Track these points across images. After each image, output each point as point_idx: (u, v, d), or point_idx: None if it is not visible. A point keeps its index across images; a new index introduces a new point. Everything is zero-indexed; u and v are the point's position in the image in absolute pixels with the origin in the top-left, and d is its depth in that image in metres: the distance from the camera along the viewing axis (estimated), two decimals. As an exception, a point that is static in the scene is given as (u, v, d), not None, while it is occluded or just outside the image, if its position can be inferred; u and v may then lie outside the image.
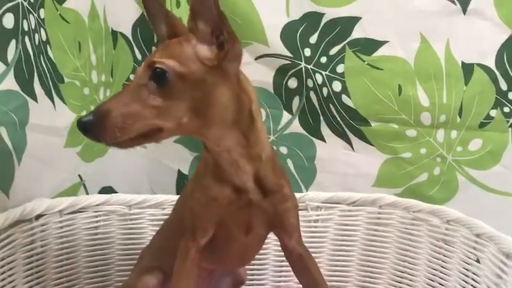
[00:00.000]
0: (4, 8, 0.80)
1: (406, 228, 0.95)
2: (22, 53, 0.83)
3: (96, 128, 0.60)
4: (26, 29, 0.85)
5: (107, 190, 1.13)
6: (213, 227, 0.72)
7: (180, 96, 0.61)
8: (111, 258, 0.97)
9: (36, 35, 0.89)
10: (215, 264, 0.82)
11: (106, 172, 1.12)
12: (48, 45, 0.93)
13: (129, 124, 0.60)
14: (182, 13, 1.07)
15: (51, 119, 0.93)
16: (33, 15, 0.88)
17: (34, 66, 0.87)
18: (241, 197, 0.70)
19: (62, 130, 0.97)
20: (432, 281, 0.92)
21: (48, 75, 0.92)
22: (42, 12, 0.91)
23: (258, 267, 0.99)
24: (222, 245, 0.74)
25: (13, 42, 0.82)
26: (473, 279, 0.84)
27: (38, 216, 0.88)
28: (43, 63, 0.91)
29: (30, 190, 0.90)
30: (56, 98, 0.94)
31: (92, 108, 1.05)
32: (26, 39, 0.85)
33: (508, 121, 1.02)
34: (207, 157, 0.71)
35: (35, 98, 0.87)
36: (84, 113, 1.03)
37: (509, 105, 1.01)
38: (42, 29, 0.91)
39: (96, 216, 0.95)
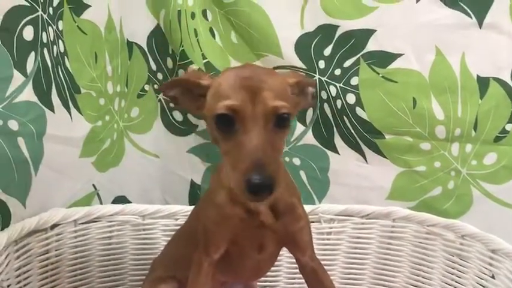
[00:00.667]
0: (24, 20, 0.81)
1: (420, 243, 0.95)
2: (41, 64, 0.85)
3: (268, 188, 0.57)
4: (45, 41, 0.86)
5: (121, 199, 1.14)
6: (225, 243, 0.72)
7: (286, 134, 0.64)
8: (124, 268, 0.98)
9: (55, 47, 0.90)
10: (230, 277, 0.82)
11: (120, 182, 1.13)
12: (66, 57, 0.94)
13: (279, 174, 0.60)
14: (197, 24, 1.09)
15: (67, 129, 0.94)
16: (52, 27, 0.89)
17: (52, 77, 0.88)
18: (253, 217, 0.70)
19: (77, 140, 0.98)
20: (447, 296, 0.91)
21: (65, 86, 0.93)
22: (60, 24, 0.92)
23: (270, 279, 0.99)
24: (235, 261, 0.75)
25: (32, 54, 0.83)
26: (489, 296, 0.83)
27: (54, 226, 0.89)
28: (61, 74, 0.92)
29: (46, 200, 0.91)
30: (72, 109, 0.95)
31: (108, 118, 1.08)
32: (45, 51, 0.86)
33: (523, 135, 1.01)
34: (223, 175, 0.71)
35: (52, 109, 0.88)
36: (99, 123, 1.04)
37: (525, 120, 1.01)
38: (60, 41, 0.92)
39: (110, 226, 0.96)
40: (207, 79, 0.66)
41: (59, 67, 0.91)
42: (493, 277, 0.83)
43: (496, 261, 0.83)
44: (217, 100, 0.62)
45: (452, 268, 0.91)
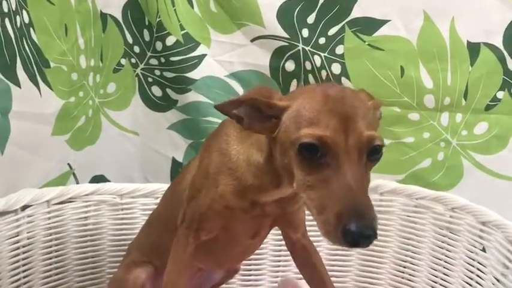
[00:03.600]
0: (-19, -12, 0.76)
1: (409, 216, 0.93)
2: (2, 35, 0.80)
3: (369, 239, 0.49)
4: (5, 10, 0.81)
5: (99, 179, 1.11)
6: (219, 230, 0.69)
7: None
8: (102, 249, 0.94)
9: (18, 17, 0.85)
10: (212, 265, 0.79)
11: (97, 160, 1.10)
12: (31, 28, 0.89)
13: None
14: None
15: (36, 105, 0.90)
16: (14, -4, 0.84)
17: (16, 50, 0.83)
18: (257, 209, 0.66)
19: (48, 117, 0.94)
20: (436, 270, 0.89)
21: (32, 59, 0.88)
22: (23, -8, 0.87)
23: (256, 257, 0.96)
24: (223, 247, 0.72)
25: (-8, 24, 0.78)
26: (478, 269, 0.81)
27: (24, 207, 0.85)
28: (26, 47, 0.87)
29: (16, 180, 0.88)
30: (41, 84, 0.91)
31: (82, 94, 1.03)
32: (6, 21, 0.81)
33: (516, 103, 0.98)
34: (230, 161, 0.64)
35: (18, 84, 0.84)
36: (73, 99, 1.00)
37: (518, 87, 0.97)
38: (24, 11, 0.87)
39: (86, 207, 0.92)
40: (283, 99, 0.57)
41: (24, 39, 0.86)
42: (483, 250, 0.81)
43: (486, 234, 0.81)
44: (301, 125, 0.53)
45: (442, 242, 0.89)
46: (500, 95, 0.98)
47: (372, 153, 0.53)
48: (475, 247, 0.82)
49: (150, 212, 0.91)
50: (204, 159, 0.68)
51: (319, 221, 0.51)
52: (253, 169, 0.62)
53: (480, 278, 0.80)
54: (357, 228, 0.48)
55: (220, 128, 0.68)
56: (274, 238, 0.95)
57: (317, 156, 0.52)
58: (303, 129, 0.53)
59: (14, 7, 0.83)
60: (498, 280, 0.76)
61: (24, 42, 0.86)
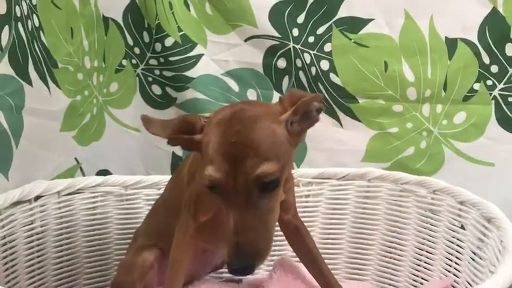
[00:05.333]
0: (-4, -6, 0.82)
1: (395, 200, 0.98)
2: (15, 38, 0.85)
3: (249, 270, 0.60)
4: (18, 15, 0.87)
5: (104, 173, 1.16)
6: (214, 210, 0.74)
7: None
8: (109, 237, 0.99)
9: (29, 21, 0.91)
10: (212, 244, 0.84)
11: (102, 156, 1.15)
12: (41, 31, 0.95)
13: None
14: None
15: (46, 103, 0.95)
16: (25, 1, 0.90)
17: (28, 51, 0.89)
18: None
19: (57, 114, 0.99)
20: (420, 249, 0.94)
21: (42, 60, 0.94)
22: (33, -2, 0.93)
23: None
24: (221, 226, 0.76)
25: (6, 28, 0.84)
26: (458, 245, 0.87)
27: (37, 198, 0.89)
28: (37, 48, 0.93)
29: (29, 172, 0.93)
30: (50, 83, 0.96)
31: (87, 93, 1.09)
32: (19, 24, 0.87)
33: (491, 94, 1.04)
34: None
35: (30, 83, 0.89)
36: (78, 97, 1.06)
37: (492, 78, 1.03)
38: (34, 15, 0.93)
39: (94, 197, 0.97)
40: (201, 129, 0.63)
41: (35, 41, 0.92)
42: (462, 227, 0.86)
43: (464, 212, 0.86)
44: (205, 163, 0.60)
45: (425, 222, 0.94)
46: (477, 86, 1.04)
47: (264, 187, 0.58)
48: (455, 225, 0.87)
49: (153, 202, 0.96)
50: None
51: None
52: None
53: (459, 253, 0.86)
54: (235, 266, 0.58)
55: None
56: None
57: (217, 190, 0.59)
58: (205, 170, 0.59)
59: (26, 12, 0.89)
60: (475, 253, 0.81)
61: (35, 45, 0.92)
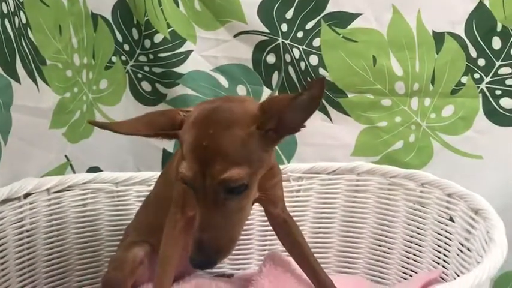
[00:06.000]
0: (-18, -9, 0.82)
1: (384, 194, 0.98)
2: (2, 34, 0.85)
3: (208, 265, 0.65)
4: (5, 11, 0.87)
5: (94, 170, 1.15)
6: None
7: None
8: (100, 234, 0.99)
9: (16, 18, 0.91)
10: None
11: (92, 153, 1.15)
12: (28, 28, 0.95)
13: None
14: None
15: (35, 100, 0.95)
16: (12, -2, 0.90)
17: (15, 48, 0.89)
18: None
19: (46, 111, 0.99)
20: (410, 242, 0.95)
21: (30, 57, 0.94)
22: (20, -5, 0.93)
23: (244, 233, 1.01)
24: None
25: (-8, 24, 0.84)
26: (446, 237, 0.87)
27: (27, 195, 0.89)
28: (24, 45, 0.93)
29: (18, 170, 0.93)
30: (39, 80, 0.96)
31: (76, 90, 1.09)
32: (6, 21, 0.87)
33: (478, 87, 1.05)
34: None
35: (18, 80, 0.89)
36: (68, 95, 1.06)
37: (479, 72, 1.04)
38: (21, 12, 0.93)
39: (84, 194, 0.97)
40: (180, 125, 0.64)
41: (22, 38, 0.92)
42: (450, 220, 0.87)
43: (452, 204, 0.87)
44: (182, 158, 0.62)
45: (414, 215, 0.94)
46: (464, 79, 1.05)
47: (231, 190, 0.61)
48: (443, 217, 0.88)
49: (144, 198, 0.96)
50: None
51: None
52: None
53: (448, 245, 0.86)
54: (195, 261, 0.61)
55: None
56: (260, 215, 1.00)
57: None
58: (182, 162, 0.61)
59: (12, 8, 0.89)
60: (462, 245, 0.82)
61: (23, 41, 0.92)
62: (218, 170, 0.59)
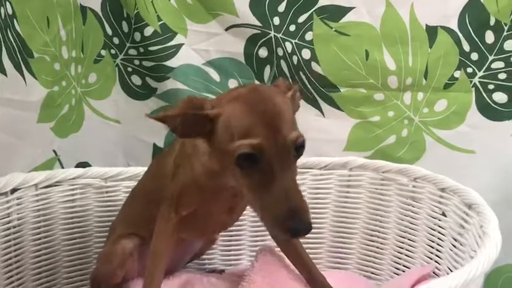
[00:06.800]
0: (-34, -19, 0.80)
1: (376, 189, 0.98)
2: (-13, 25, 0.84)
3: (307, 232, 0.59)
4: (-10, 2, 0.85)
5: (83, 165, 1.14)
6: (196, 206, 0.74)
7: None
8: (89, 230, 0.98)
9: (2, 9, 0.89)
10: (193, 235, 0.84)
11: (81, 147, 1.14)
12: (15, 19, 0.93)
13: None
14: None
15: (22, 93, 0.94)
16: (-2, -11, 0.88)
17: (1, 40, 0.87)
18: (229, 189, 0.71)
19: (34, 105, 0.98)
20: (402, 237, 0.95)
21: (16, 49, 0.92)
22: (6, -14, 0.91)
23: (235, 229, 1.01)
24: (202, 220, 0.77)
25: (-23, 15, 0.82)
26: (439, 232, 0.87)
27: (14, 190, 0.88)
28: (11, 37, 0.91)
29: (5, 165, 0.91)
30: (26, 73, 0.95)
31: (64, 83, 1.07)
32: (-9, 12, 0.85)
33: (471, 81, 1.05)
34: (200, 152, 0.70)
35: (4, 72, 0.88)
36: (56, 88, 1.04)
37: (472, 66, 1.04)
38: (7, 3, 0.91)
39: (73, 190, 0.96)
40: (214, 106, 0.62)
41: (8, 30, 0.90)
42: (443, 214, 0.87)
43: (445, 199, 0.87)
44: (235, 136, 0.59)
45: (407, 210, 0.94)
46: (457, 74, 1.04)
47: (298, 150, 0.60)
48: (436, 212, 0.88)
49: (134, 193, 0.95)
50: (183, 142, 0.74)
51: (264, 219, 0.60)
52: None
53: (441, 240, 0.86)
54: (298, 228, 0.58)
55: None
56: (252, 214, 0.99)
57: (254, 164, 0.58)
58: (238, 140, 0.58)
59: (-2, -1, 0.88)
60: (456, 239, 0.82)
61: (9, 33, 0.90)
62: (288, 131, 0.59)
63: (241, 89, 0.65)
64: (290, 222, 0.57)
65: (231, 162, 0.60)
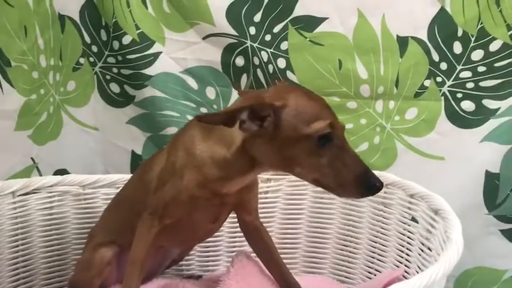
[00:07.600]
0: None
1: (349, 195, 1.00)
2: (-36, 35, 0.84)
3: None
4: (-33, 12, 0.85)
5: (61, 172, 1.15)
6: (181, 216, 0.76)
7: None
8: (67, 237, 0.99)
9: (-22, 19, 0.89)
10: (175, 244, 0.86)
11: (59, 155, 1.14)
12: (-9, 29, 0.93)
13: None
14: None
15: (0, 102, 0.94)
16: (-26, -2, 0.88)
17: (-22, 49, 0.88)
18: (218, 198, 0.74)
19: (11, 113, 0.98)
20: (374, 242, 0.97)
21: (-7, 58, 0.93)
22: (-17, -4, 0.92)
23: (213, 237, 1.01)
24: (185, 229, 0.79)
25: (-46, 25, 0.83)
26: (408, 237, 0.89)
27: (-10, 198, 0.89)
28: (-13, 46, 0.91)
29: (-18, 173, 0.91)
30: (3, 82, 0.95)
31: (43, 91, 1.08)
32: (-32, 22, 0.85)
33: (440, 90, 1.07)
34: (193, 156, 0.72)
35: (-20, 81, 0.88)
36: (34, 96, 1.04)
37: (442, 75, 1.07)
38: (-16, 12, 0.91)
39: (50, 197, 0.96)
40: (274, 100, 0.67)
41: (-15, 39, 0.91)
42: (413, 220, 0.89)
43: (414, 205, 0.89)
44: (309, 121, 0.65)
45: (378, 216, 0.96)
46: (427, 83, 1.07)
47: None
48: (406, 218, 0.90)
49: (112, 201, 0.96)
50: (170, 156, 0.76)
51: (340, 185, 0.67)
52: (219, 163, 0.71)
53: (410, 244, 0.88)
54: (375, 182, 0.66)
55: (186, 128, 0.77)
56: (229, 221, 1.01)
57: (328, 141, 0.66)
58: (314, 123, 0.65)
59: (-25, 9, 0.88)
60: (423, 244, 0.84)
61: (-14, 42, 0.91)
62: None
63: (283, 87, 0.75)
64: (370, 179, 0.66)
65: (307, 145, 0.66)
